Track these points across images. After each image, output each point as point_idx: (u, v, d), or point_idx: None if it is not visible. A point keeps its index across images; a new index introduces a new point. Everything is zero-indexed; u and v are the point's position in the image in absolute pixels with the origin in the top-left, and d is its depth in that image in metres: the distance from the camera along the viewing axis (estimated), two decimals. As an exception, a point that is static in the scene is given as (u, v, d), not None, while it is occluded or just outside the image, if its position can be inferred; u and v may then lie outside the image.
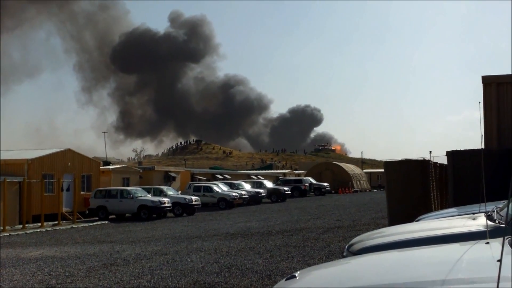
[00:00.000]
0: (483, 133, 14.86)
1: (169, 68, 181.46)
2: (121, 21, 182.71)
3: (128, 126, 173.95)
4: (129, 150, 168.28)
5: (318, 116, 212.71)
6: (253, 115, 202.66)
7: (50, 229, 26.96)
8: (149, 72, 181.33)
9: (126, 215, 32.40)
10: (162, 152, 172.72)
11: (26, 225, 28.30)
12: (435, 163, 17.96)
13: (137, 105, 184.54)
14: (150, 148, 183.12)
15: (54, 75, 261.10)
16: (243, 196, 40.69)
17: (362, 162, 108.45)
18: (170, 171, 47.82)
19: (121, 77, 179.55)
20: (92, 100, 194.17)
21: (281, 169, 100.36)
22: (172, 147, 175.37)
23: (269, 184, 50.32)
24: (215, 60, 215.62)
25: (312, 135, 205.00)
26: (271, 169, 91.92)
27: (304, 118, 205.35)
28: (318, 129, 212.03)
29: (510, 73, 15.58)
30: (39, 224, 28.81)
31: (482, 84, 15.56)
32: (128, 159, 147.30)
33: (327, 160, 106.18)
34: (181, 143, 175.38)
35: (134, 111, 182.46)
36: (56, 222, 29.61)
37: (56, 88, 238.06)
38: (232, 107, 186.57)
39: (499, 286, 2.76)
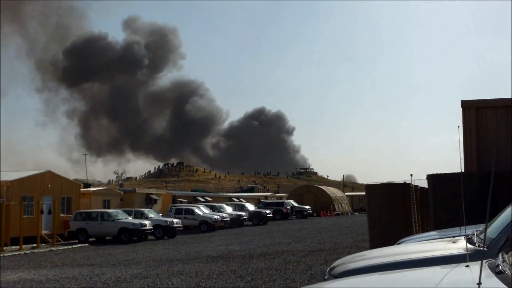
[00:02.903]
0: (462, 156, 15.03)
1: (125, 79, 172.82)
2: (78, 28, 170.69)
3: (89, 145, 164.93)
4: (95, 169, 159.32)
5: (289, 129, 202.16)
6: (212, 130, 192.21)
7: (28, 252, 26.59)
8: (104, 84, 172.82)
9: (107, 237, 32.08)
10: (145, 174, 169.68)
11: (4, 248, 27.85)
12: (416, 186, 18.10)
13: (95, 122, 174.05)
14: (114, 167, 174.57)
15: (9, 89, 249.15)
16: (225, 219, 40.57)
17: (343, 185, 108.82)
18: (151, 194, 47.56)
19: (76, 91, 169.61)
20: (48, 115, 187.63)
21: (263, 191, 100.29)
22: (158, 167, 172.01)
23: (251, 207, 50.27)
24: (181, 73, 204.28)
25: (287, 156, 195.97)
26: (253, 192, 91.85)
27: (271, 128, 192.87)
28: (293, 147, 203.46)
29: (488, 98, 15.83)
30: (18, 246, 28.39)
31: (461, 108, 15.78)
32: (109, 181, 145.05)
33: (308, 183, 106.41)
34: (167, 164, 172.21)
35: (93, 129, 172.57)
36: (35, 245, 29.19)
37: (12, 102, 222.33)
38: (189, 121, 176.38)
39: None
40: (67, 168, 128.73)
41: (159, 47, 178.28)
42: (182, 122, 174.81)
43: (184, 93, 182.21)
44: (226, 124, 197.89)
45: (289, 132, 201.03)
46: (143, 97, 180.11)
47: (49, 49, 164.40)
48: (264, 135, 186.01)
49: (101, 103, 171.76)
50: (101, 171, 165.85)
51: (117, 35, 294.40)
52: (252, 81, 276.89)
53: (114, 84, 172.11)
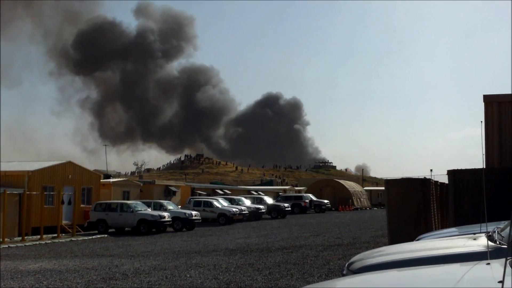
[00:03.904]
0: (484, 152, 14.87)
1: (138, 68, 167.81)
2: (91, 14, 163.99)
3: (103, 135, 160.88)
4: (110, 159, 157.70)
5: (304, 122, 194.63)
6: (226, 121, 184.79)
7: (49, 241, 26.90)
8: (117, 73, 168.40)
9: (126, 229, 32.31)
10: (166, 165, 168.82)
11: (25, 237, 28.23)
12: (436, 181, 17.96)
13: (109, 111, 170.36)
14: (127, 156, 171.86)
15: (24, 76, 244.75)
16: (243, 212, 40.61)
17: (362, 180, 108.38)
18: (170, 186, 47.77)
19: (89, 79, 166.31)
20: (63, 104, 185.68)
21: (282, 185, 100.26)
22: (179, 158, 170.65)
23: (269, 200, 50.27)
24: (194, 62, 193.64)
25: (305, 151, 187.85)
26: (272, 185, 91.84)
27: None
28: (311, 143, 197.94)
29: (511, 93, 15.62)
30: (39, 236, 28.73)
31: (483, 103, 15.60)
32: (133, 172, 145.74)
33: (327, 177, 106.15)
34: (186, 156, 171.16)
35: (107, 118, 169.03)
36: (55, 235, 29.53)
37: (26, 89, 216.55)
38: (202, 111, 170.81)
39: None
40: (82, 157, 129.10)
41: (173, 35, 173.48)
42: (196, 112, 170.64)
43: (197, 82, 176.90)
44: (237, 113, 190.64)
45: (304, 124, 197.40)
46: (156, 86, 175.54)
47: (61, 35, 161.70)
48: (277, 126, 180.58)
49: (114, 92, 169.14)
50: (115, 160, 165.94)
51: (131, 21, 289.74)
52: (265, 72, 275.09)
53: (127, 72, 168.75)
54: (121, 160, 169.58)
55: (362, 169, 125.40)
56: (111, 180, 42.71)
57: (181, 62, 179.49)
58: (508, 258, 3.48)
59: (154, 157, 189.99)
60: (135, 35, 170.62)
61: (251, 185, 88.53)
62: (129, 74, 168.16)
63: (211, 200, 40.66)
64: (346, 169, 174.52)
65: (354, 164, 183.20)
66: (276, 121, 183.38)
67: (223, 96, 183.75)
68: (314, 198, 56.94)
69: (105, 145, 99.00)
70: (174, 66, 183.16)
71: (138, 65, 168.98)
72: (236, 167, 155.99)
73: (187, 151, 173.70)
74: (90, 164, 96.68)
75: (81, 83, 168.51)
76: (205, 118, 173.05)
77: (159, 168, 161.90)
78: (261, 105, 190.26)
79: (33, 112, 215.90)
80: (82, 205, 34.78)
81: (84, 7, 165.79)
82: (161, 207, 34.68)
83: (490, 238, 5.83)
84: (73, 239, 28.20)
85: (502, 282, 2.83)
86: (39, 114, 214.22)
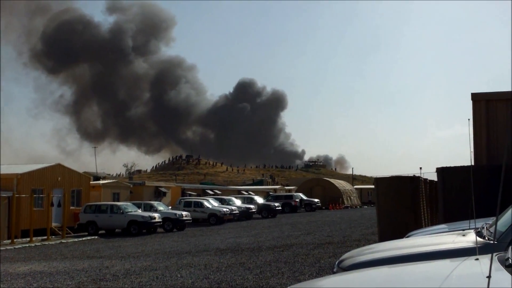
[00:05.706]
0: (472, 149, 14.97)
1: (115, 67, 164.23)
2: (64, 10, 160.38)
3: (83, 136, 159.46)
4: (91, 159, 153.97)
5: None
6: (207, 119, 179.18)
7: (39, 244, 26.77)
8: (92, 71, 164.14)
9: (116, 230, 32.22)
10: (156, 166, 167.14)
11: (15, 240, 28.07)
12: (425, 179, 18.03)
13: (86, 112, 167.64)
14: (106, 154, 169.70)
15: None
16: (234, 212, 40.61)
17: (352, 178, 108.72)
18: (160, 187, 47.69)
19: (66, 79, 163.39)
20: (39, 107, 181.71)
21: (272, 185, 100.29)
22: (171, 158, 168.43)
23: (259, 199, 50.33)
24: (172, 58, 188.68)
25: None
26: (262, 185, 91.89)
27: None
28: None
29: (499, 90, 15.73)
30: (28, 239, 28.59)
31: (471, 101, 15.68)
32: (122, 174, 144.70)
33: (317, 176, 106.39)
34: (177, 157, 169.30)
35: (85, 119, 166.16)
36: (45, 237, 29.40)
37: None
38: (181, 111, 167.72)
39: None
40: (61, 159, 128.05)
41: (150, 31, 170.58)
42: (173, 112, 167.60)
43: (176, 80, 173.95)
44: (214, 109, 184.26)
45: (284, 124, 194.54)
46: (132, 85, 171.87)
47: (34, 31, 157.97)
48: (256, 122, 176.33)
49: (88, 92, 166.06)
50: (97, 160, 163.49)
51: (106, 18, 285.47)
52: (250, 70, 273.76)
53: (100, 71, 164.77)
54: (100, 160, 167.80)
55: (352, 168, 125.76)
56: (101, 182, 42.57)
57: (159, 59, 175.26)
58: (495, 253, 3.52)
59: (136, 157, 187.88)
60: (111, 31, 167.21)
61: (241, 185, 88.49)
62: (103, 73, 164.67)
63: (201, 200, 40.64)
64: (333, 168, 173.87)
65: (338, 161, 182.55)
66: (255, 117, 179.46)
67: (200, 96, 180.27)
68: (304, 197, 57.08)
69: (95, 147, 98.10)
70: (153, 64, 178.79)
71: (113, 63, 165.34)
72: (227, 168, 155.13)
73: (167, 151, 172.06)
74: (68, 165, 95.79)
75: (58, 84, 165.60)
76: (181, 118, 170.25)
77: (153, 167, 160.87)
78: (240, 99, 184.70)
79: (7, 112, 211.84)
80: (72, 207, 34.65)
81: (59, 4, 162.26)
82: (152, 208, 34.61)
83: (479, 234, 5.88)
84: (63, 241, 28.09)
85: (489, 277, 2.86)
86: (14, 114, 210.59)
